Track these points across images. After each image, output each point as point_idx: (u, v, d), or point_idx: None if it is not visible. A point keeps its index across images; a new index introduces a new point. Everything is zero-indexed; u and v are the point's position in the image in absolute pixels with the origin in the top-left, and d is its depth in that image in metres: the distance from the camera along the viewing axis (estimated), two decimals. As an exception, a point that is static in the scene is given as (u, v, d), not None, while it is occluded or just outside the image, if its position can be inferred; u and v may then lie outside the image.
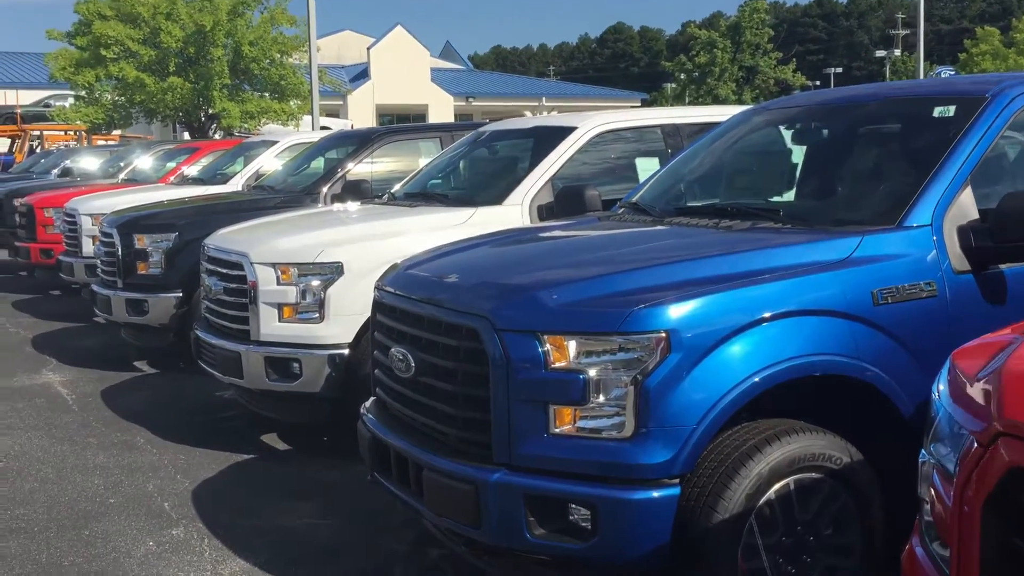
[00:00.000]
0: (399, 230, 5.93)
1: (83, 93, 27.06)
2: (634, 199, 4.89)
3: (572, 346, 3.22)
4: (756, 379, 3.19)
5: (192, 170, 12.99)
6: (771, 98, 46.16)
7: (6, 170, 24.16)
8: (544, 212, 6.03)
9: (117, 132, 29.22)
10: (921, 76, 30.72)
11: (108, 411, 7.03)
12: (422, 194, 6.79)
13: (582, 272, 3.59)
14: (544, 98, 50.91)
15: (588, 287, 3.38)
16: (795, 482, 3.27)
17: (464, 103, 48.61)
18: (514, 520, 3.26)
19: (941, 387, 2.26)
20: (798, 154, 4.84)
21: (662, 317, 3.15)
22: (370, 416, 4.17)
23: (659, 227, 4.28)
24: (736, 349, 3.20)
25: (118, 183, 13.94)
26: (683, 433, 3.13)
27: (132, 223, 8.20)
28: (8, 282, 14.23)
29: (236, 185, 10.79)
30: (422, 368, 3.67)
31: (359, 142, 8.63)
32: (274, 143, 11.51)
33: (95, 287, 8.65)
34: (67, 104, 29.15)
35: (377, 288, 4.23)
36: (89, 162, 18.43)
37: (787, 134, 4.97)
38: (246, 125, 26.51)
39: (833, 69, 67.63)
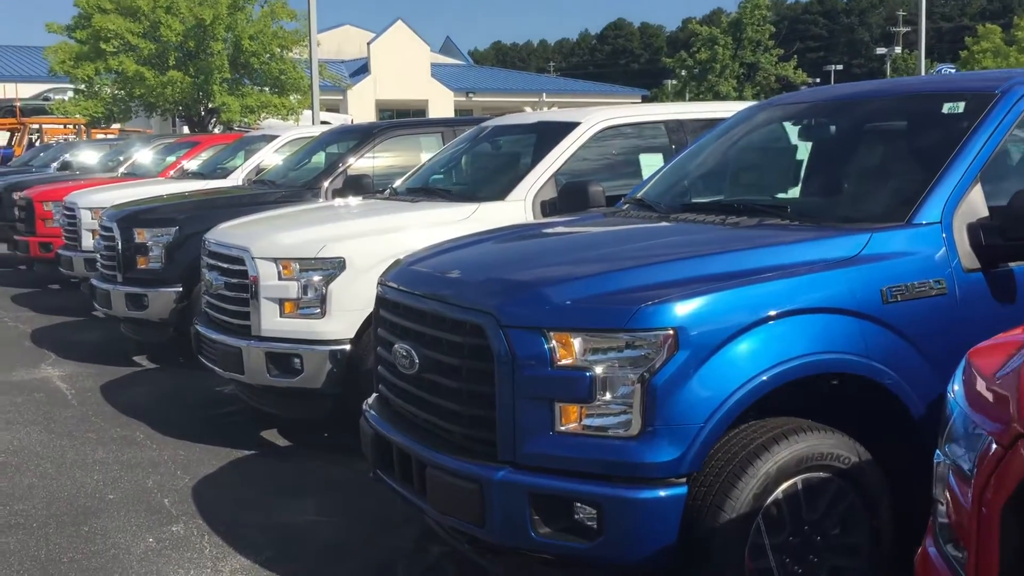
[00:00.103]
0: (401, 225, 5.89)
1: (82, 87, 26.98)
2: (638, 195, 4.85)
3: (578, 343, 3.18)
4: (764, 377, 3.15)
5: (192, 164, 12.96)
6: (772, 95, 46.14)
7: (5, 163, 24.11)
8: (547, 208, 5.99)
9: (116, 126, 29.17)
10: (923, 73, 30.67)
11: (107, 406, 7.00)
12: (424, 189, 6.76)
13: (588, 268, 3.55)
14: (544, 94, 50.79)
15: (595, 283, 3.34)
16: (803, 481, 3.23)
17: (464, 99, 48.55)
18: (519, 519, 3.23)
19: (956, 387, 2.22)
20: (805, 150, 4.81)
21: (669, 314, 3.12)
22: (372, 413, 4.13)
23: (665, 223, 4.24)
24: (744, 347, 3.17)
25: (117, 177, 13.90)
26: (690, 432, 3.10)
27: (132, 217, 8.16)
28: (7, 276, 14.20)
29: (236, 180, 10.76)
30: (426, 364, 3.63)
31: (360, 137, 8.60)
32: (274, 137, 11.48)
33: (95, 281, 8.61)
34: (66, 98, 29.09)
35: (380, 284, 4.19)
36: (88, 156, 18.40)
37: (794, 130, 4.93)
38: (246, 119, 26.42)
39: (833, 66, 67.47)
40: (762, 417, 3.29)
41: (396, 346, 3.83)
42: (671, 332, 3.10)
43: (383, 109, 45.14)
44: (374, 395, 4.27)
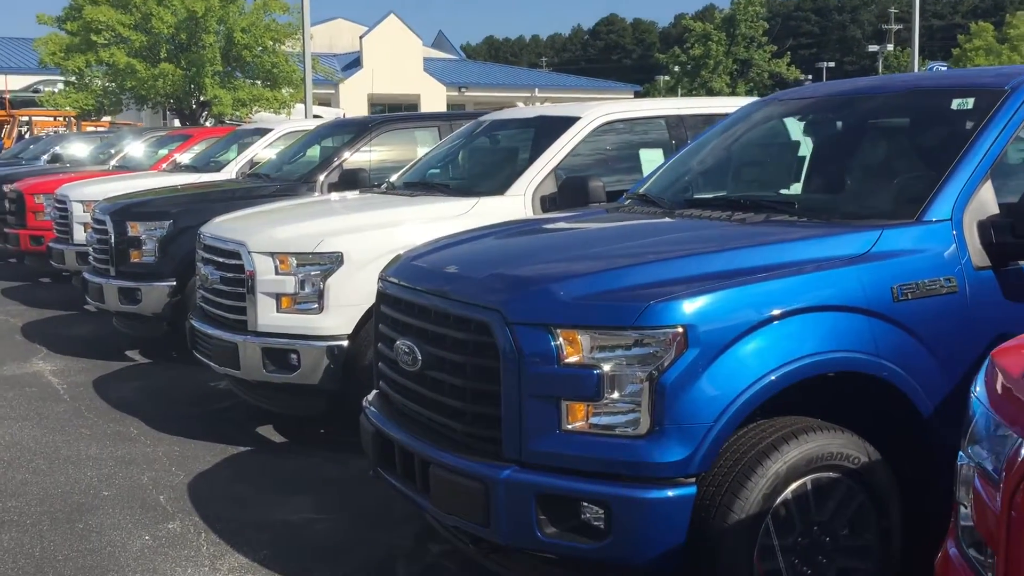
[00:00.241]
0: (400, 220, 5.83)
1: (73, 79, 26.79)
2: (641, 190, 4.80)
3: (586, 340, 3.13)
4: (775, 376, 3.11)
5: (185, 157, 12.86)
6: (765, 92, 46.22)
7: (-6, 156, 23.91)
8: (547, 203, 5.94)
9: (106, 119, 28.99)
10: (916, 71, 30.71)
11: (100, 401, 6.92)
12: (422, 184, 6.70)
13: (595, 265, 3.50)
14: (537, 89, 50.73)
15: (602, 280, 3.29)
16: (812, 482, 3.20)
17: (457, 93, 48.40)
18: (524, 519, 3.18)
19: (978, 388, 2.18)
20: (810, 146, 4.76)
21: (679, 312, 3.07)
22: (373, 409, 4.08)
23: (671, 219, 4.19)
24: (754, 345, 3.13)
25: (109, 170, 13.79)
26: (700, 431, 3.05)
27: (125, 210, 8.08)
28: (-3, 269, 14.09)
29: (230, 173, 10.67)
30: (429, 361, 3.58)
31: (356, 130, 8.52)
32: (268, 131, 11.39)
33: (87, 275, 8.52)
34: (56, 90, 28.88)
35: (381, 279, 4.13)
36: (79, 148, 18.27)
37: (799, 126, 4.88)
38: (238, 113, 26.28)
39: (826, 63, 67.50)
40: (770, 416, 3.24)
41: (398, 342, 3.77)
42: (680, 330, 3.05)
43: (375, 103, 44.95)
44: (374, 392, 4.22)
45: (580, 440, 3.13)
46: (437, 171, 7.07)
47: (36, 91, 32.17)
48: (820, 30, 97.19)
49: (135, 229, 7.88)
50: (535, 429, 3.18)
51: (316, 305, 5.50)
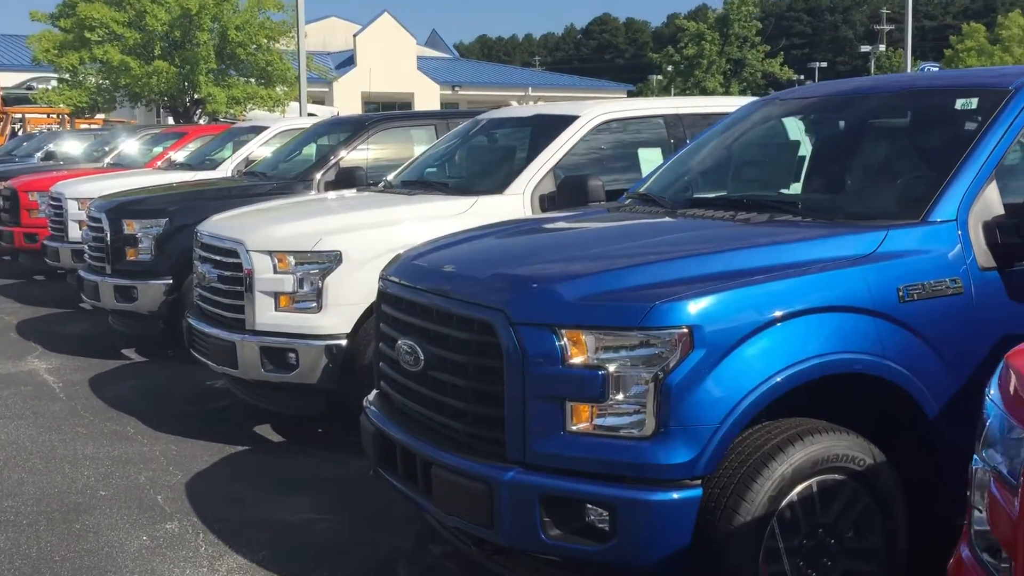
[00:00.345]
0: (398, 218, 5.81)
1: (66, 76, 26.69)
2: (642, 190, 4.78)
3: (590, 341, 3.11)
4: (781, 378, 3.09)
5: (179, 155, 12.80)
6: (758, 91, 46.26)
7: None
8: (546, 202, 5.92)
9: (100, 116, 28.87)
10: (908, 71, 30.74)
11: (97, 400, 6.88)
12: (420, 182, 6.67)
13: (600, 264, 3.47)
14: (530, 88, 50.69)
15: (607, 280, 3.26)
16: (818, 484, 3.18)
17: (450, 92, 48.35)
18: (528, 520, 3.15)
19: (992, 391, 2.16)
20: (812, 146, 4.74)
21: (684, 312, 3.05)
22: (373, 409, 4.05)
23: (673, 219, 4.16)
24: (760, 346, 3.11)
25: (103, 167, 13.73)
26: (705, 433, 3.03)
27: (121, 208, 8.03)
28: (-9, 267, 14.01)
29: (226, 171, 10.61)
30: (431, 362, 3.55)
31: (353, 129, 8.49)
32: (264, 129, 11.34)
33: (82, 273, 8.48)
34: (50, 87, 28.76)
35: (382, 279, 4.10)
36: (72, 146, 18.19)
37: (802, 125, 4.87)
38: (232, 111, 26.21)
39: (818, 63, 67.60)
40: (775, 417, 3.23)
41: (399, 342, 3.74)
42: (686, 331, 3.03)
43: (369, 102, 44.87)
44: (374, 391, 4.19)
45: (585, 441, 3.11)
46: (435, 170, 7.04)
47: (30, 88, 32.01)
48: (812, 30, 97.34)
49: (131, 227, 7.84)
50: (539, 430, 3.16)
51: (314, 304, 5.47)
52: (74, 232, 10.08)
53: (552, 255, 3.83)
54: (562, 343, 3.13)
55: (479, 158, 7.15)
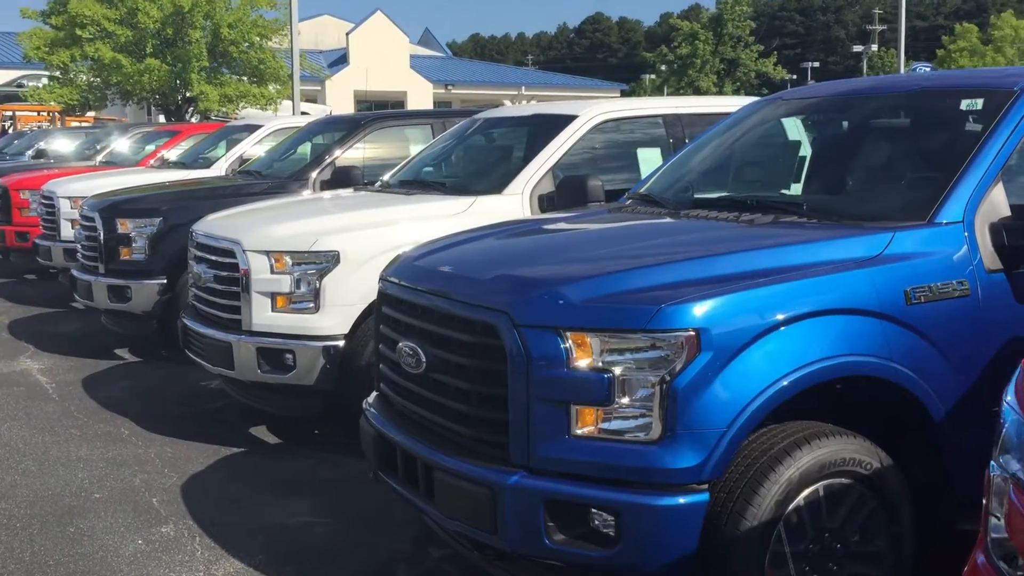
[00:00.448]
0: (396, 218, 5.76)
1: (57, 73, 26.56)
2: (643, 190, 4.74)
3: (596, 344, 3.07)
4: (789, 380, 3.06)
5: (172, 154, 12.73)
6: (752, 91, 46.33)
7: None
8: (545, 202, 5.88)
9: (91, 114, 28.73)
10: (901, 71, 30.82)
11: (90, 400, 6.81)
12: (417, 182, 6.62)
13: (605, 266, 3.43)
14: (524, 87, 50.64)
15: (612, 282, 3.22)
16: (824, 488, 3.15)
17: (443, 91, 48.26)
18: (532, 525, 3.11)
19: (1010, 396, 2.12)
20: (816, 146, 4.71)
21: (691, 315, 3.01)
22: (373, 412, 4.01)
23: (677, 220, 4.13)
24: (768, 349, 3.07)
25: (95, 166, 13.65)
26: (713, 437, 3.00)
27: (115, 207, 7.97)
28: (-19, 266, 13.90)
29: (220, 170, 10.57)
30: (433, 364, 3.51)
31: (348, 128, 8.44)
32: (258, 127, 11.28)
33: (75, 272, 8.41)
34: (41, 84, 28.62)
35: (382, 279, 4.06)
36: (63, 144, 18.11)
37: (804, 125, 4.84)
38: (224, 109, 26.11)
39: (810, 63, 67.73)
40: (781, 420, 3.19)
41: (400, 344, 3.70)
42: (693, 333, 2.99)
43: (362, 100, 44.76)
44: (374, 394, 4.14)
45: (590, 446, 3.07)
46: (432, 169, 7.00)
47: (20, 86, 31.90)
48: (804, 30, 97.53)
49: (125, 226, 7.77)
50: (543, 434, 3.12)
51: (312, 304, 5.42)
52: (66, 231, 10.01)
53: (555, 256, 3.80)
54: (567, 346, 3.09)
55: (477, 158, 7.10)
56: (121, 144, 15.06)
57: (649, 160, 6.35)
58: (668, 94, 47.45)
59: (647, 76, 60.84)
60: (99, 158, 14.71)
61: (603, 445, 3.07)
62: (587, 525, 3.08)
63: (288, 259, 5.45)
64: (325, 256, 5.40)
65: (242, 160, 10.40)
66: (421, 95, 45.70)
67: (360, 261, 5.35)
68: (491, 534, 3.22)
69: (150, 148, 13.73)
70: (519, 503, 3.13)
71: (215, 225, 6.11)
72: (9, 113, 28.66)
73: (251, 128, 11.37)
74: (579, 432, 3.09)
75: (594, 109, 6.35)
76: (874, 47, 68.71)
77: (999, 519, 2.05)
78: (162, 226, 7.67)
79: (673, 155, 5.30)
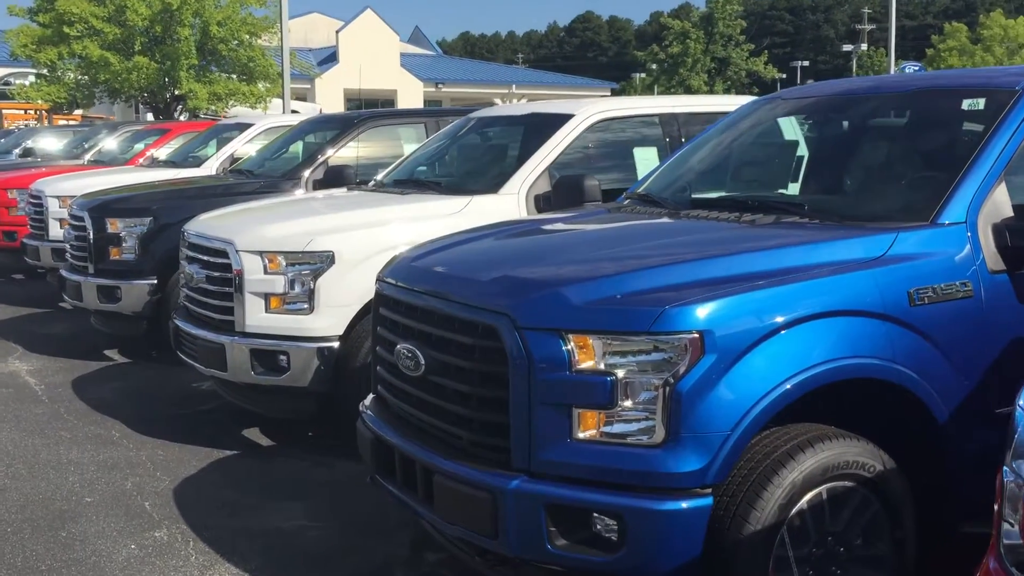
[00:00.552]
0: (391, 218, 5.71)
1: (45, 71, 26.40)
2: (641, 190, 4.71)
3: (598, 346, 3.03)
4: (793, 383, 3.02)
5: (162, 152, 12.64)
6: (743, 90, 46.38)
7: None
8: (541, 202, 5.84)
9: (78, 112, 28.56)
10: (891, 71, 30.89)
11: (80, 402, 6.74)
12: (412, 181, 6.57)
13: (607, 267, 3.39)
14: (514, 85, 50.58)
15: (615, 283, 3.18)
16: (827, 491, 3.12)
17: (434, 89, 48.16)
18: (534, 530, 3.08)
19: (1021, 401, 2.09)
20: (816, 146, 4.68)
21: (695, 317, 2.97)
22: (370, 414, 3.96)
23: (677, 220, 4.09)
24: (771, 351, 3.04)
25: (84, 164, 13.55)
26: (716, 440, 2.96)
27: (105, 206, 7.89)
28: (-32, 265, 13.77)
29: (210, 169, 10.48)
30: (433, 366, 3.46)
31: (341, 126, 8.38)
32: (248, 126, 11.20)
33: (64, 272, 8.33)
34: (28, 82, 28.44)
35: (379, 280, 4.01)
36: (51, 142, 17.98)
37: (803, 126, 4.80)
38: (213, 107, 25.98)
39: (800, 62, 67.85)
40: (783, 423, 3.16)
41: (399, 346, 3.65)
42: (696, 336, 2.96)
43: (351, 99, 44.62)
44: (371, 396, 4.10)
45: (592, 449, 3.04)
46: (427, 169, 6.94)
47: (7, 83, 31.71)
48: (794, 29, 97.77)
49: (115, 226, 7.70)
50: (545, 437, 3.08)
51: (306, 305, 5.37)
52: (55, 230, 9.93)
53: (556, 257, 3.75)
54: (569, 348, 3.05)
55: (472, 157, 7.05)
56: (109, 143, 14.97)
57: (645, 160, 6.32)
58: (659, 93, 47.45)
59: (637, 75, 60.84)
60: (87, 157, 14.60)
61: (605, 449, 3.03)
62: (589, 530, 3.05)
63: (282, 259, 5.39)
64: (320, 256, 5.35)
65: (233, 159, 10.32)
66: (411, 93, 45.60)
67: (355, 261, 5.30)
68: (492, 539, 3.18)
69: (139, 147, 13.64)
70: (520, 507, 3.09)
71: (207, 225, 6.05)
72: (-4, 111, 28.47)
73: (242, 127, 11.29)
74: (581, 435, 3.05)
75: (590, 108, 6.31)
76: (863, 46, 68.86)
77: (1013, 525, 2.02)
78: (152, 226, 7.61)
79: (670, 155, 5.26)
